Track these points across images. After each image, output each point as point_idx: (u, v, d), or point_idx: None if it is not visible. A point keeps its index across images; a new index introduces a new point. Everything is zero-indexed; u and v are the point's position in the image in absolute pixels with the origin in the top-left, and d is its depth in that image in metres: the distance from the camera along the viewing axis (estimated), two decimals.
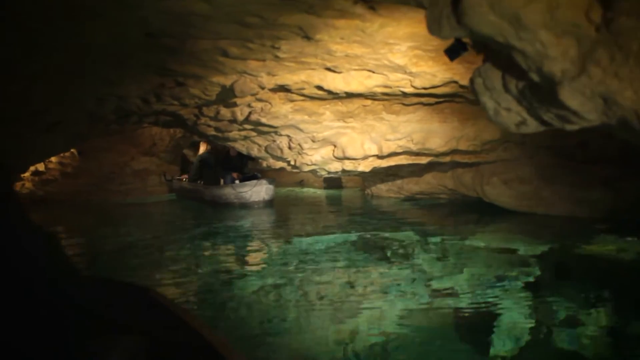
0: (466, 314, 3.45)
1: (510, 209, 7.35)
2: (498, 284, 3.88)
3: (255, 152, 7.37)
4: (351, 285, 4.16)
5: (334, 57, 4.35)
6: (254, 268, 4.99)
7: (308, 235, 6.54)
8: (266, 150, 7.20)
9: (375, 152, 6.69)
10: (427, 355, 2.88)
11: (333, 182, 13.13)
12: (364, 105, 5.96)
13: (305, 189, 14.05)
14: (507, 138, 6.57)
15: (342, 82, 4.96)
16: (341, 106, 5.97)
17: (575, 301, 3.48)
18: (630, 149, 6.35)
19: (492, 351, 2.87)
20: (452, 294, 3.79)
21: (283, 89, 5.27)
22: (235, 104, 5.74)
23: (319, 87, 5.11)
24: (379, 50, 4.14)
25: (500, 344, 2.94)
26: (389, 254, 5.29)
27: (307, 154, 6.85)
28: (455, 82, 4.60)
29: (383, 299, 3.78)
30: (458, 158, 7.12)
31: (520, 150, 6.88)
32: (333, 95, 5.37)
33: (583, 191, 6.62)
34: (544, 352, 2.90)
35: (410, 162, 7.16)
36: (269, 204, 10.44)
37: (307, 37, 3.78)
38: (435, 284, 4.03)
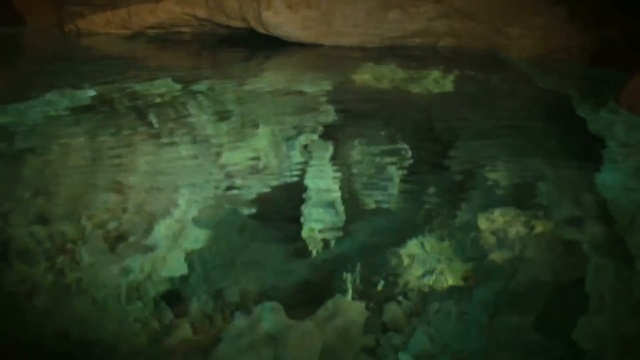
0: (275, 196, 2.65)
1: (294, 40, 5.99)
2: (298, 140, 3.25)
3: None
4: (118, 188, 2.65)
5: None
6: None
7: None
8: None
9: None
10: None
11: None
12: None
13: None
14: None
15: None
16: None
17: (376, 145, 3.22)
18: None
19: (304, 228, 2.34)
20: (256, 168, 2.91)
21: None
22: None
23: None
24: None
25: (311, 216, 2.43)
26: (152, 118, 3.68)
27: None
28: None
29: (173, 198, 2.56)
30: None
31: None
32: None
33: (376, 18, 5.74)
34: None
35: None
36: None
37: None
38: (229, 158, 3.01)
